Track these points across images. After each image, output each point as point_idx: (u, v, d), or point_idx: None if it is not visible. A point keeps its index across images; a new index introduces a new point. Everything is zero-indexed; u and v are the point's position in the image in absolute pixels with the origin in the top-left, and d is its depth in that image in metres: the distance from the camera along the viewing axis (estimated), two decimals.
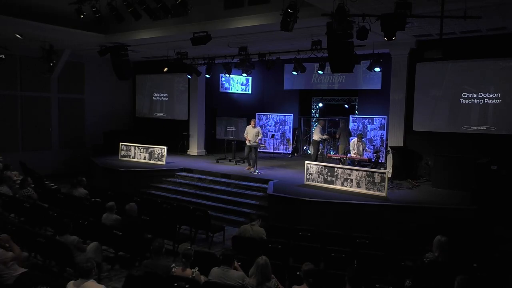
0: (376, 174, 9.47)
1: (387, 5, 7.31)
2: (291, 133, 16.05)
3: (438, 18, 6.68)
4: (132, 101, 18.32)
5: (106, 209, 7.54)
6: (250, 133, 12.16)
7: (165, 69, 14.67)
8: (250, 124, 12.43)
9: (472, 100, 10.58)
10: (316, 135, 13.57)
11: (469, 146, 10.42)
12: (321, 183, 10.24)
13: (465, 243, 7.35)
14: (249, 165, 12.33)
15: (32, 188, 9.34)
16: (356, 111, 15.58)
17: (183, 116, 16.56)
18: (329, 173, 10.15)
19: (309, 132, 16.80)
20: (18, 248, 5.60)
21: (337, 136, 13.71)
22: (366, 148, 12.38)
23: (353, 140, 12.29)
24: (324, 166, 10.41)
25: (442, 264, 5.47)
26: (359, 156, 11.87)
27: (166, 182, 12.40)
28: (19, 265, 5.31)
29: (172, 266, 5.12)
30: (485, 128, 10.39)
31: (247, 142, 12.16)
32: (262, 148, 13.36)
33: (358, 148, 11.89)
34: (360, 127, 14.20)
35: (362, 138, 12.31)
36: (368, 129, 14.08)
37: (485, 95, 10.40)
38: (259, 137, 12.32)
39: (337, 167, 10.23)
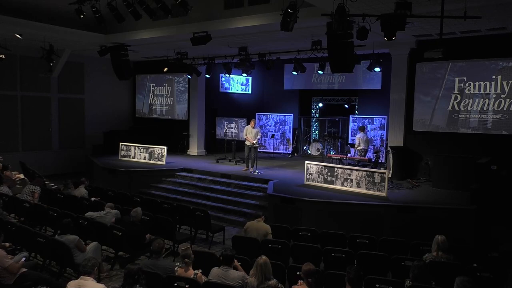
0: (376, 174, 9.47)
1: (387, 5, 7.32)
2: (291, 133, 16.04)
3: (438, 18, 6.67)
4: (132, 101, 18.33)
5: (106, 206, 7.59)
6: (250, 133, 12.15)
7: (165, 69, 14.70)
8: (249, 124, 12.42)
9: (472, 99, 10.58)
10: None
11: (469, 146, 10.42)
12: (321, 183, 10.24)
13: (465, 243, 7.37)
14: (247, 166, 12.31)
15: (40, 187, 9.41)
16: (356, 111, 15.57)
17: (183, 116, 16.57)
18: (329, 173, 10.14)
19: (309, 132, 16.80)
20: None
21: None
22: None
23: (358, 136, 12.40)
24: (324, 166, 10.41)
25: (442, 264, 5.47)
26: (360, 155, 11.96)
27: (166, 182, 12.40)
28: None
29: (176, 264, 5.12)
30: (485, 128, 10.39)
31: (247, 142, 12.16)
32: (261, 148, 13.35)
33: (364, 142, 12.02)
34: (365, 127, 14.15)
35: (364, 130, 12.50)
36: (368, 129, 14.07)
37: (485, 94, 10.40)
38: (258, 137, 12.32)
39: (337, 167, 10.23)
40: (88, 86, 16.42)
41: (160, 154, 13.56)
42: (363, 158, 12.24)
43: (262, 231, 6.76)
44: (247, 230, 6.92)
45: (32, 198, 8.74)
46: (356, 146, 12.49)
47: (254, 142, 12.01)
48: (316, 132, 16.95)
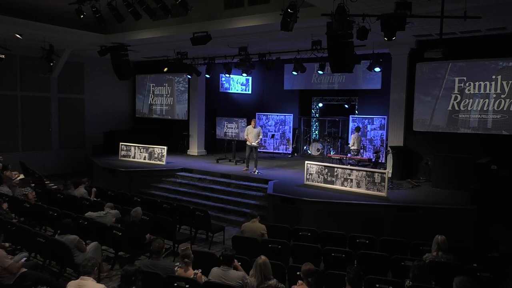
0: (376, 174, 9.47)
1: (387, 5, 7.32)
2: (291, 133, 16.05)
3: (438, 18, 6.68)
4: (132, 101, 18.33)
5: (106, 206, 7.60)
6: (251, 133, 12.14)
7: (165, 69, 14.70)
8: (250, 124, 12.41)
9: (472, 99, 10.58)
10: None
11: (469, 146, 10.42)
12: (321, 183, 10.23)
13: (465, 243, 7.37)
14: (247, 166, 12.30)
15: (32, 188, 9.35)
16: (356, 111, 15.58)
17: (183, 116, 16.58)
18: (329, 173, 10.14)
19: (309, 132, 16.80)
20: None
21: None
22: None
23: (353, 136, 12.53)
24: (324, 166, 10.41)
25: (442, 264, 5.47)
26: (353, 154, 12.07)
27: (166, 182, 12.40)
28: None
29: (176, 264, 5.12)
30: (485, 128, 10.39)
31: (248, 142, 12.15)
32: (261, 148, 13.36)
33: (358, 142, 12.15)
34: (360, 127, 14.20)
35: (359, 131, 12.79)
36: (368, 129, 14.08)
37: (485, 94, 10.40)
38: (260, 137, 12.31)
39: (337, 167, 10.23)
40: (88, 86, 16.42)
41: (160, 154, 13.55)
42: (363, 158, 12.26)
43: (258, 231, 6.82)
44: (244, 231, 6.94)
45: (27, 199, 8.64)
46: (350, 145, 12.57)
47: (254, 143, 12.00)
48: (316, 132, 16.95)
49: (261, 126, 15.69)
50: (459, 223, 8.15)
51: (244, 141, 12.33)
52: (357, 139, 12.45)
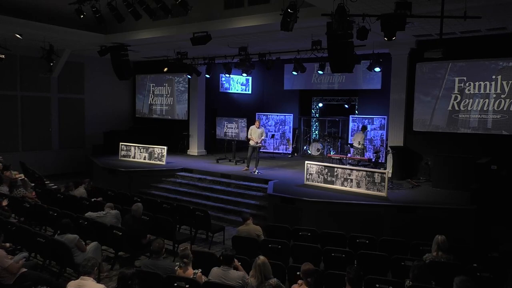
0: (376, 174, 9.47)
1: (387, 5, 7.32)
2: (291, 133, 16.05)
3: (438, 18, 6.68)
4: (132, 101, 18.33)
5: (106, 206, 7.60)
6: (255, 133, 12.14)
7: (165, 69, 14.70)
8: (254, 124, 12.38)
9: (472, 99, 10.58)
10: None
11: (469, 146, 10.42)
12: (321, 183, 10.23)
13: (465, 243, 7.37)
14: (247, 166, 12.29)
15: (32, 188, 9.35)
16: (356, 111, 15.58)
17: (183, 116, 16.58)
18: (329, 173, 10.14)
19: (309, 132, 16.80)
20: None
21: None
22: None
23: (358, 134, 12.56)
24: (324, 166, 10.41)
25: (442, 264, 5.47)
26: (359, 155, 12.04)
27: (166, 182, 12.40)
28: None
29: (176, 264, 5.12)
30: (485, 128, 10.38)
31: (251, 142, 12.14)
32: (261, 148, 13.36)
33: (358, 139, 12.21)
34: (360, 127, 14.21)
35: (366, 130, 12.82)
36: (368, 129, 14.08)
37: (485, 94, 10.40)
38: (263, 137, 12.31)
39: (337, 167, 10.23)
40: (88, 86, 16.42)
41: (160, 154, 13.55)
42: (363, 158, 12.26)
43: (253, 233, 6.79)
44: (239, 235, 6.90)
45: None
46: (354, 143, 12.67)
47: (258, 142, 12.00)
48: (316, 132, 16.95)
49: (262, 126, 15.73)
50: (459, 223, 8.15)
51: (244, 141, 12.31)
52: (358, 136, 12.43)
